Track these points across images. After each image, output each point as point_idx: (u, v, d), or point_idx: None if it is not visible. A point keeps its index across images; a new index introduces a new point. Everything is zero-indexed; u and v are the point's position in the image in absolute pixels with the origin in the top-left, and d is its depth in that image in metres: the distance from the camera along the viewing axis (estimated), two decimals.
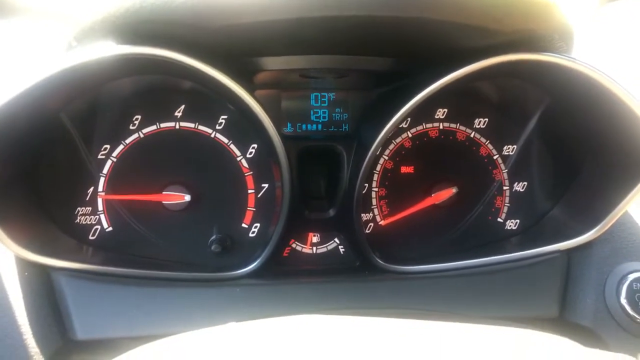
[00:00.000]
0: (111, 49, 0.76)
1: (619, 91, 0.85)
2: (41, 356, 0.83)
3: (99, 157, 1.03)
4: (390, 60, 0.98)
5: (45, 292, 0.89)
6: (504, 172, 1.15)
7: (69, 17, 0.81)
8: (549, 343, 0.69)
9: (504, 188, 1.16)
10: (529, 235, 1.12)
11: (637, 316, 0.94)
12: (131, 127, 1.03)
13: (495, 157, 1.15)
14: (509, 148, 1.15)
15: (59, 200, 1.01)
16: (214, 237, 1.06)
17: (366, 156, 0.95)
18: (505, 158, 1.15)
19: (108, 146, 1.03)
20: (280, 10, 0.69)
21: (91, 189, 1.04)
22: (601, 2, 1.95)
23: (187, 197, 1.04)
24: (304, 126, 1.09)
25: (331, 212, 1.06)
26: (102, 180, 1.04)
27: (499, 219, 1.16)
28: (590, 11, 1.84)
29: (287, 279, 1.01)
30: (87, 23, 0.76)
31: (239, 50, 0.87)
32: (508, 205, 1.16)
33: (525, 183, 1.16)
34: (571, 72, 0.85)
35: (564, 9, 0.78)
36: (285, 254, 1.10)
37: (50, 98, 0.84)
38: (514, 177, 1.16)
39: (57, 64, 0.76)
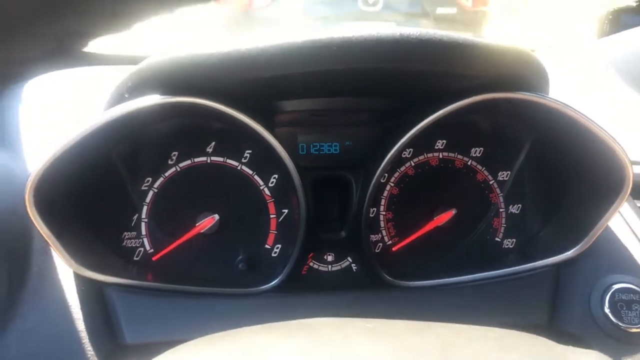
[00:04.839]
0: (158, 99, 0.94)
1: (587, 122, 0.98)
2: (96, 358, 0.98)
3: (142, 188, 1.20)
4: (391, 100, 1.13)
5: (98, 304, 1.04)
6: (499, 196, 1.28)
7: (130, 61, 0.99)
8: (525, 339, 0.80)
9: (500, 210, 1.28)
10: (524, 252, 1.24)
11: (619, 323, 1.04)
12: (169, 162, 1.20)
13: (491, 183, 1.28)
14: (503, 174, 1.27)
15: (109, 226, 1.17)
16: (240, 257, 1.20)
17: (371, 183, 1.09)
18: (500, 183, 1.28)
19: (150, 179, 1.20)
20: (291, 66, 0.85)
21: (136, 216, 1.20)
22: (598, 34, 2.07)
23: (217, 222, 1.19)
24: (318, 158, 1.24)
25: (343, 234, 1.20)
26: (145, 208, 1.20)
27: (496, 239, 1.28)
28: (588, 43, 1.97)
29: (305, 293, 1.15)
30: (137, 79, 0.93)
31: (261, 96, 1.03)
32: (504, 225, 1.28)
33: (520, 205, 1.28)
34: (543, 108, 0.99)
35: (530, 53, 0.93)
36: (304, 272, 1.23)
37: (105, 141, 1.02)
38: (509, 200, 1.28)
39: (113, 113, 0.93)
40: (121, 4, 0.28)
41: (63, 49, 0.31)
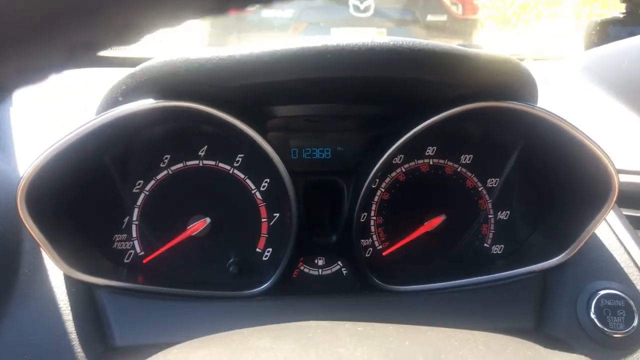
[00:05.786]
0: (152, 103, 0.94)
1: (574, 132, 1.00)
2: None
3: (134, 191, 1.20)
4: (383, 107, 1.15)
5: (88, 306, 1.04)
6: (488, 203, 1.29)
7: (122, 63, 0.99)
8: (513, 343, 0.82)
9: (489, 216, 1.30)
10: (512, 258, 1.25)
11: (605, 329, 1.06)
12: (161, 165, 1.20)
13: (480, 189, 1.29)
14: (492, 181, 1.29)
15: (100, 228, 1.17)
16: (231, 260, 1.21)
17: (362, 188, 1.11)
18: (489, 190, 1.29)
19: (142, 181, 1.20)
20: (286, 72, 0.86)
21: (127, 219, 1.20)
22: (585, 45, 2.11)
23: (208, 225, 1.20)
24: (310, 163, 1.25)
25: (334, 238, 1.21)
26: (136, 210, 1.20)
27: (485, 244, 1.30)
28: (575, 54, 2.00)
29: (295, 297, 1.15)
30: (132, 82, 0.94)
31: (254, 101, 1.04)
32: (493, 232, 1.29)
33: (508, 212, 1.29)
34: (532, 117, 1.01)
35: (519, 63, 0.95)
36: (294, 276, 1.24)
37: (98, 144, 1.02)
38: (497, 207, 1.29)
39: (107, 116, 0.94)
40: (135, 16, 0.29)
41: (71, 58, 0.31)
